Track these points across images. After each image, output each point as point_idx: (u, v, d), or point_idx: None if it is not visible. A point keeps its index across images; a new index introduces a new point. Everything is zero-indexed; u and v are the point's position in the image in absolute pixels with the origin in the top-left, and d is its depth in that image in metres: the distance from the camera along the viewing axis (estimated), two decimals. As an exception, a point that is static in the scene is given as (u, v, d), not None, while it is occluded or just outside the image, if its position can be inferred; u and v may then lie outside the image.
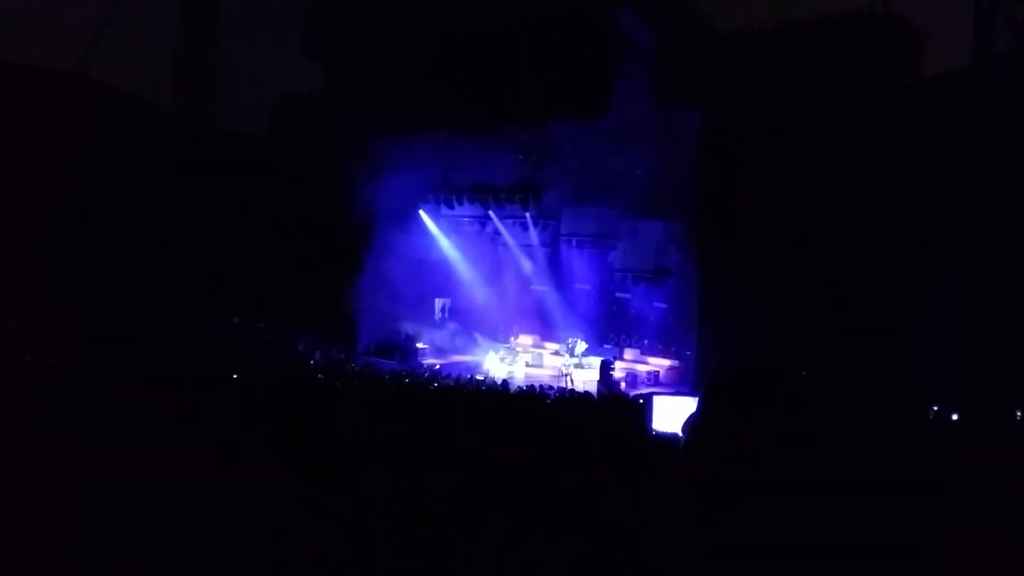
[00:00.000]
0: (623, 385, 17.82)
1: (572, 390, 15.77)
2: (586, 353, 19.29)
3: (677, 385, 18.20)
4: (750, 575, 2.08)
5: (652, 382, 18.94)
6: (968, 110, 13.33)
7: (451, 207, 21.62)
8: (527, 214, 21.79)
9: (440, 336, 21.96)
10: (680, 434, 2.43)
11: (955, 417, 9.72)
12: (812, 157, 14.15)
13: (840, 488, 2.16)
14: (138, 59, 20.78)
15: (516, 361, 20.28)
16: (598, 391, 16.38)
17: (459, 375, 16.39)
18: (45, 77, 18.13)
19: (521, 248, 23.29)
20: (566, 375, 18.56)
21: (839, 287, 13.81)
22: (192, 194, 19.24)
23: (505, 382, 15.21)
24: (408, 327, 21.46)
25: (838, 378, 12.24)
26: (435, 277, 23.19)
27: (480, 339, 22.07)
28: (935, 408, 10.19)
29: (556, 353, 20.96)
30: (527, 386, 13.61)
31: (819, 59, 14.46)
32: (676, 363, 19.76)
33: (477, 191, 21.01)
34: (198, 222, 18.85)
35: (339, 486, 3.97)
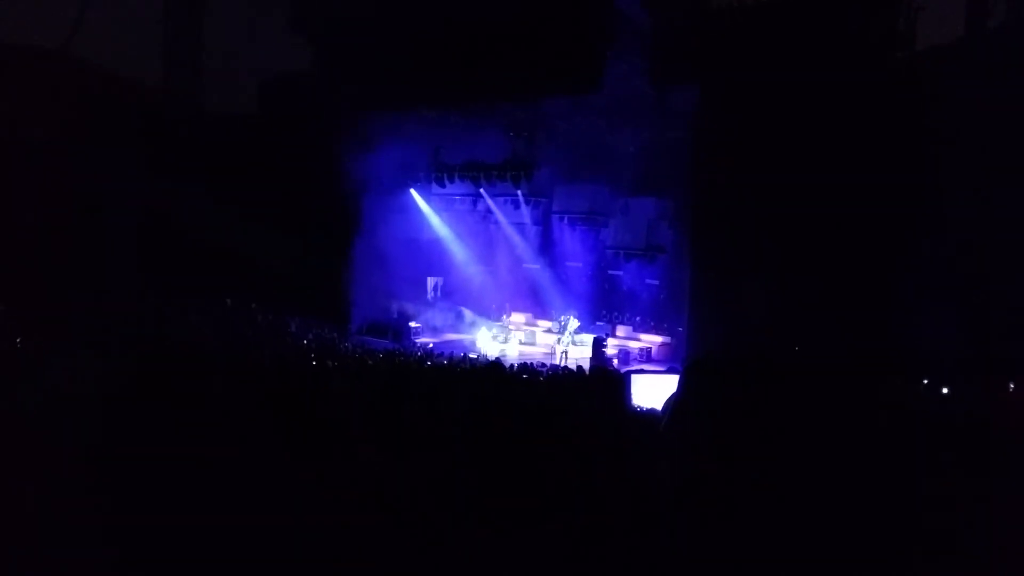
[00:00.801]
0: (615, 362, 17.89)
1: (565, 367, 15.82)
2: (578, 330, 19.34)
3: (669, 361, 18.29)
4: (733, 557, 2.08)
5: (644, 359, 19.02)
6: (961, 83, 13.28)
7: (442, 185, 21.50)
8: (519, 192, 21.74)
9: (433, 315, 21.97)
10: (660, 411, 2.44)
11: (945, 391, 9.76)
12: (806, 133, 14.09)
13: (822, 472, 2.16)
14: (123, 37, 20.48)
15: (509, 339, 20.32)
16: (590, 368, 16.44)
17: (452, 353, 16.43)
18: (28, 56, 17.87)
19: (513, 226, 23.28)
20: (563, 352, 18.62)
21: (833, 264, 13.82)
22: (180, 173, 19.06)
23: (498, 360, 15.23)
24: (401, 306, 21.46)
25: (830, 355, 12.31)
26: (427, 256, 23.17)
27: (473, 317, 22.09)
28: (925, 382, 10.23)
29: (549, 331, 21.01)
30: (520, 364, 13.63)
31: (813, 34, 14.34)
32: (668, 339, 19.85)
33: (468, 169, 20.88)
34: (187, 202, 18.69)
35: (335, 467, 3.97)
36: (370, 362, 13.08)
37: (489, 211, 23.21)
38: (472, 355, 17.10)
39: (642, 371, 14.76)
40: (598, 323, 21.18)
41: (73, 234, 17.79)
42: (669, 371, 14.52)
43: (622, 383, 4.02)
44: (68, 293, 14.79)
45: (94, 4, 19.71)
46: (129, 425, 4.23)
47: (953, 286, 13.07)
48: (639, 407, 4.97)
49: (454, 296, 23.35)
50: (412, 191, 22.28)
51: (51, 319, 11.77)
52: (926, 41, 14.78)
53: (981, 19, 15.84)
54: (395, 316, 21.13)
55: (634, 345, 19.91)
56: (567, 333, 19.06)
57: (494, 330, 20.72)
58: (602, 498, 3.41)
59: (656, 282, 20.71)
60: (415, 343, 19.55)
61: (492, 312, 22.54)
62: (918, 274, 13.35)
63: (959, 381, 10.09)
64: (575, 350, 18.73)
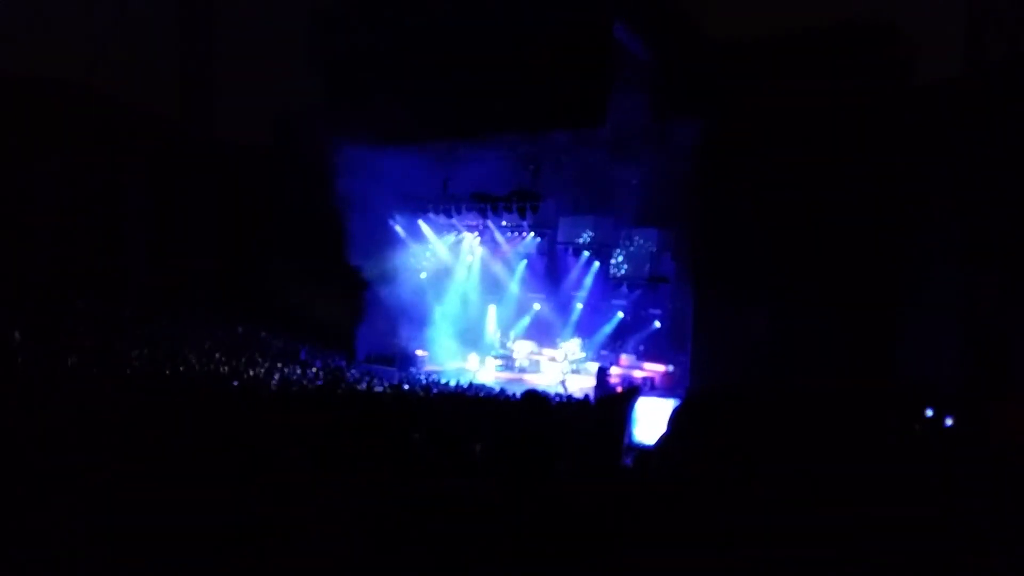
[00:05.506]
0: (619, 391, 17.95)
1: (570, 396, 15.94)
2: (580, 357, 19.43)
3: (672, 390, 18.34)
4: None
5: (648, 388, 19.08)
6: (960, 118, 13.52)
7: (449, 216, 21.78)
8: (524, 223, 21.96)
9: (438, 344, 22.10)
10: (652, 447, 2.53)
11: (949, 422, 9.82)
12: (806, 166, 14.32)
13: (819, 512, 2.14)
14: (140, 71, 20.97)
15: (514, 368, 20.43)
16: (595, 397, 16.55)
17: (457, 382, 16.55)
18: (48, 89, 18.29)
19: (518, 256, 23.49)
20: (561, 381, 18.72)
21: (834, 294, 13.98)
22: (193, 204, 19.39)
23: (503, 389, 15.35)
24: (408, 335, 21.61)
25: (833, 383, 12.40)
26: (434, 285, 23.36)
27: (477, 346, 22.21)
28: (930, 413, 10.27)
29: (553, 360, 21.12)
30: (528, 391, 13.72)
31: (813, 69, 14.64)
32: (671, 368, 19.92)
33: (475, 200, 21.14)
34: (199, 232, 18.99)
35: (341, 491, 4.07)
36: (377, 389, 13.24)
37: (495, 241, 23.45)
38: (477, 383, 17.22)
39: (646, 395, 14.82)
40: (602, 352, 21.29)
41: (89, 261, 18.08)
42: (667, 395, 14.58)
43: (634, 396, 4.07)
44: (81, 319, 15.03)
45: (113, 39, 20.22)
46: (140, 448, 4.33)
47: (952, 317, 13.18)
48: (639, 443, 5.02)
49: (460, 325, 23.49)
50: (420, 222, 22.54)
51: (63, 345, 11.98)
52: (926, 76, 15.06)
53: (979, 54, 16.14)
54: (402, 345, 21.27)
55: (638, 374, 19.99)
56: (566, 359, 19.18)
57: (499, 359, 20.83)
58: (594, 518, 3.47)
59: (659, 312, 20.86)
60: (421, 371, 19.67)
61: (497, 341, 22.67)
62: (919, 309, 13.48)
63: (963, 410, 10.15)
64: (576, 378, 18.83)
